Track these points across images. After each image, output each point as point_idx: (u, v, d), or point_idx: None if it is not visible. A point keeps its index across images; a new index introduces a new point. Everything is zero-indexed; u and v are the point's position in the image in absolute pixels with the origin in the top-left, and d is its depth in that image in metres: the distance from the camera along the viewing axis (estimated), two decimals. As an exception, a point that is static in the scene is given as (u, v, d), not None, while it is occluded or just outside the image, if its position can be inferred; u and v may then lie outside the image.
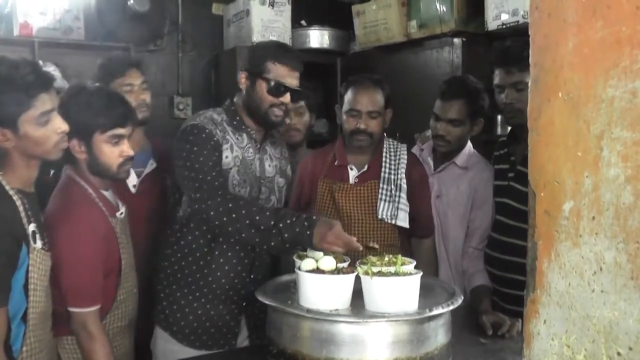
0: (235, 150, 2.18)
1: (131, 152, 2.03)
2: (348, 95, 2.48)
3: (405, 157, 2.51)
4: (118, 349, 2.08)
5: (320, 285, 1.58)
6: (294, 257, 1.78)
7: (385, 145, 2.52)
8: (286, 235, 1.91)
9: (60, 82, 3.51)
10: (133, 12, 4.14)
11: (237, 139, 2.20)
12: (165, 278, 2.24)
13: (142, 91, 2.64)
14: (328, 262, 1.63)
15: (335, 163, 2.55)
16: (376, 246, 2.02)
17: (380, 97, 2.46)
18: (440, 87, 2.61)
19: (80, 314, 1.91)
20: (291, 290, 1.73)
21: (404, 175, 2.46)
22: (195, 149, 2.09)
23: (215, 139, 2.12)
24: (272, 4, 4.30)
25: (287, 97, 2.19)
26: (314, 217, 1.94)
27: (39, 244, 1.78)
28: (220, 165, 2.12)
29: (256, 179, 2.24)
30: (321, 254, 1.69)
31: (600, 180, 0.86)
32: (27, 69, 1.73)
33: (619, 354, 0.84)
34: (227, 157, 2.15)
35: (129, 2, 4.11)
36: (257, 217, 1.95)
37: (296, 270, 1.64)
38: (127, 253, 2.08)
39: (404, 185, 2.44)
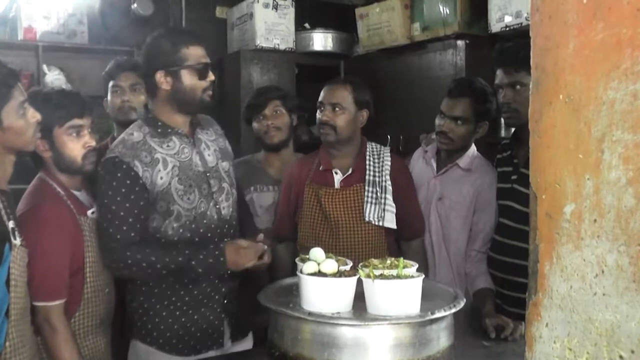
0: (170, 162, 2.09)
1: (93, 143, 2.08)
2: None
3: (389, 159, 2.54)
4: (90, 348, 2.09)
5: (322, 288, 1.57)
6: (296, 260, 1.78)
7: (368, 149, 2.56)
8: (200, 270, 2.05)
9: (64, 86, 3.53)
10: (137, 16, 4.16)
11: (167, 146, 2.11)
12: (141, 294, 2.16)
13: (130, 93, 2.71)
14: (330, 265, 1.62)
15: (320, 168, 2.57)
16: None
17: (347, 94, 2.50)
18: (449, 85, 2.64)
19: (43, 307, 1.94)
20: (293, 293, 1.72)
21: (388, 177, 2.49)
22: (110, 192, 2.03)
23: (133, 172, 2.03)
24: (275, 7, 4.30)
25: (211, 75, 2.14)
26: (220, 245, 2.08)
27: (18, 240, 1.82)
28: (140, 205, 2.05)
29: (201, 175, 2.16)
30: (323, 256, 1.68)
31: (602, 182, 0.85)
32: None
33: (621, 357, 0.83)
34: (161, 178, 2.06)
35: (132, 6, 4.13)
36: (167, 260, 2.02)
37: (298, 273, 1.63)
38: (95, 252, 2.09)
39: (389, 187, 2.47)
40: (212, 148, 2.25)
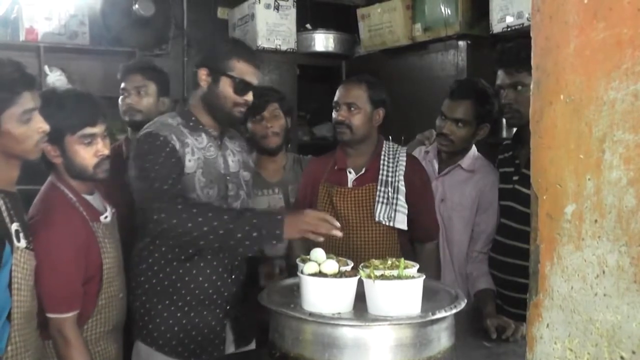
0: (196, 153, 2.13)
1: (106, 151, 2.02)
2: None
3: (404, 160, 2.51)
4: (101, 354, 2.07)
5: (322, 288, 1.57)
6: (297, 261, 1.78)
7: (384, 148, 2.53)
8: (255, 220, 1.93)
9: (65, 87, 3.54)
10: (138, 17, 4.15)
11: (196, 140, 2.15)
12: (144, 293, 2.17)
13: (135, 95, 2.76)
14: (331, 265, 1.62)
15: (335, 167, 2.56)
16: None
17: (362, 92, 2.48)
18: (450, 87, 2.62)
19: (57, 319, 1.91)
20: (294, 294, 1.72)
21: (402, 178, 2.45)
22: (150, 157, 2.05)
23: (170, 145, 2.07)
24: (277, 8, 4.31)
25: (250, 96, 2.18)
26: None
27: (22, 243, 1.78)
28: (178, 173, 2.07)
29: (222, 177, 2.21)
30: (324, 257, 1.68)
31: (603, 183, 0.85)
32: (12, 68, 1.75)
33: (622, 357, 0.83)
34: (189, 161, 2.11)
35: (134, 7, 4.13)
36: (226, 217, 1.96)
37: (299, 273, 1.63)
38: (111, 258, 2.06)
39: (402, 188, 2.44)
40: (236, 156, 2.29)
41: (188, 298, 2.15)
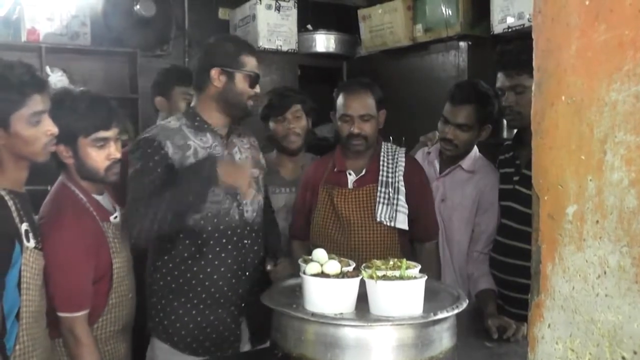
0: (200, 152, 2.14)
1: (118, 155, 2.04)
2: (339, 101, 2.50)
3: (403, 160, 2.51)
4: (111, 353, 2.08)
5: (325, 289, 1.57)
6: (299, 262, 1.78)
7: (383, 149, 2.53)
8: (193, 175, 2.04)
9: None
10: (139, 17, 4.16)
11: (201, 140, 2.17)
12: (160, 289, 2.19)
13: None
14: (333, 266, 1.62)
15: (335, 169, 2.56)
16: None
17: (371, 100, 2.47)
18: (451, 91, 2.60)
19: (67, 318, 1.92)
20: (296, 294, 1.73)
21: (402, 178, 2.46)
22: (138, 166, 2.08)
23: (163, 151, 2.08)
24: (278, 9, 4.32)
25: (258, 87, 2.25)
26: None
27: (32, 242, 1.80)
28: (160, 180, 2.07)
29: None
30: (326, 257, 1.69)
31: (604, 184, 0.85)
32: (22, 70, 1.77)
33: (623, 358, 0.84)
34: (191, 163, 2.12)
35: (135, 7, 4.14)
36: (170, 195, 2.02)
37: (301, 274, 1.64)
38: (121, 257, 2.08)
39: (402, 188, 2.44)
40: (244, 154, 2.30)
41: (203, 296, 2.16)
